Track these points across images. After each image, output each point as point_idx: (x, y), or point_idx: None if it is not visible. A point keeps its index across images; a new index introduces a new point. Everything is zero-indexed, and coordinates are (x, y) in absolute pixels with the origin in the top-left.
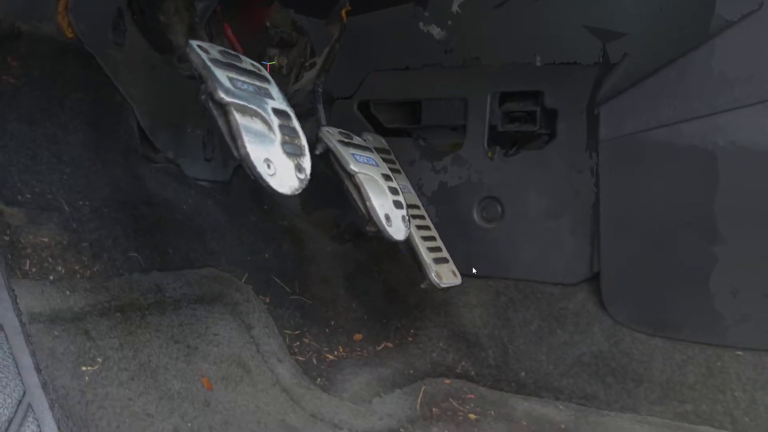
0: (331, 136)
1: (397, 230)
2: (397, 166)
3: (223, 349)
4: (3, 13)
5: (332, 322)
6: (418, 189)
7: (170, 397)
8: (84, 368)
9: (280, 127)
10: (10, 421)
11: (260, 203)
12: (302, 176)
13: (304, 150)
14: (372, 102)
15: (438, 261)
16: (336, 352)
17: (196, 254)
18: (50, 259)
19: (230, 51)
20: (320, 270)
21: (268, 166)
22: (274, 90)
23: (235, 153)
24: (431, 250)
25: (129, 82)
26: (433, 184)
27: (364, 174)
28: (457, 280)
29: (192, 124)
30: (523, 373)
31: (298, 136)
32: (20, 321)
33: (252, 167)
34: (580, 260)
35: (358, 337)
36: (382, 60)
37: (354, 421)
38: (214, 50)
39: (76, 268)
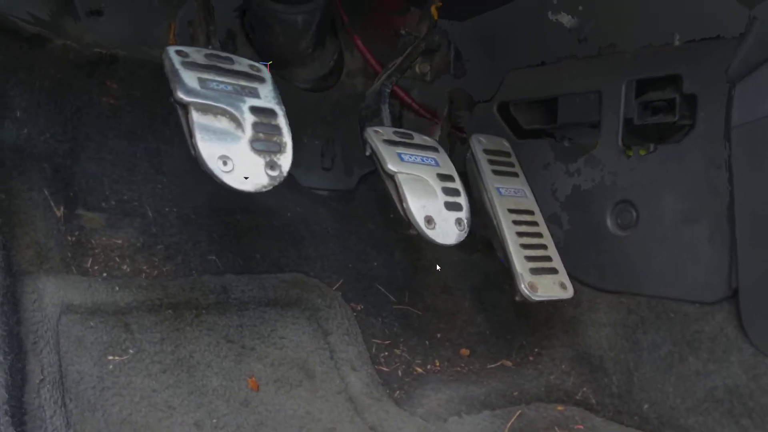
0: (378, 135)
1: (444, 233)
2: (515, 169)
3: (286, 352)
4: (115, 43)
5: (438, 335)
6: (552, 194)
7: (203, 393)
8: (111, 357)
9: (256, 124)
10: None
11: (386, 212)
12: (275, 173)
13: (283, 147)
14: (511, 103)
15: (538, 271)
16: (429, 366)
17: (287, 260)
18: (117, 259)
19: (221, 54)
20: (441, 280)
21: (225, 163)
22: (265, 89)
23: (192, 151)
24: (534, 259)
25: None
26: (567, 188)
27: (407, 174)
28: (564, 293)
29: (309, 134)
30: (646, 406)
31: (279, 134)
32: None
33: (203, 164)
34: (719, 274)
35: (465, 352)
36: (519, 57)
37: None
38: (199, 54)
39: (144, 268)
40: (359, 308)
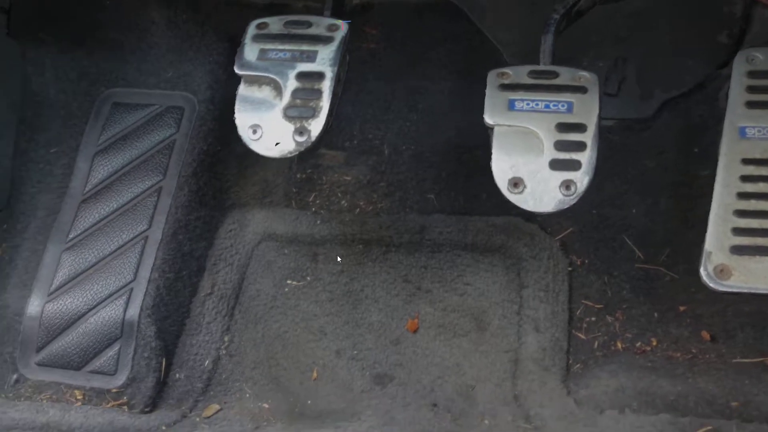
0: (497, 79)
1: (537, 198)
2: None
3: (466, 299)
4: None
5: (683, 308)
6: None
7: (358, 325)
8: (289, 282)
9: (296, 90)
10: (111, 294)
11: (689, 146)
12: (302, 139)
13: (317, 112)
14: None
15: (751, 250)
16: (639, 344)
17: None
18: (339, 195)
19: (300, 19)
20: None
21: (254, 132)
22: (326, 51)
23: None
24: (753, 232)
25: (498, 26)
26: None
27: (508, 126)
28: None
29: (591, 55)
30: None
31: (317, 98)
32: (163, 234)
33: (240, 134)
34: None
35: (706, 335)
36: None
37: (551, 423)
38: (278, 23)
39: (361, 204)
40: (581, 263)
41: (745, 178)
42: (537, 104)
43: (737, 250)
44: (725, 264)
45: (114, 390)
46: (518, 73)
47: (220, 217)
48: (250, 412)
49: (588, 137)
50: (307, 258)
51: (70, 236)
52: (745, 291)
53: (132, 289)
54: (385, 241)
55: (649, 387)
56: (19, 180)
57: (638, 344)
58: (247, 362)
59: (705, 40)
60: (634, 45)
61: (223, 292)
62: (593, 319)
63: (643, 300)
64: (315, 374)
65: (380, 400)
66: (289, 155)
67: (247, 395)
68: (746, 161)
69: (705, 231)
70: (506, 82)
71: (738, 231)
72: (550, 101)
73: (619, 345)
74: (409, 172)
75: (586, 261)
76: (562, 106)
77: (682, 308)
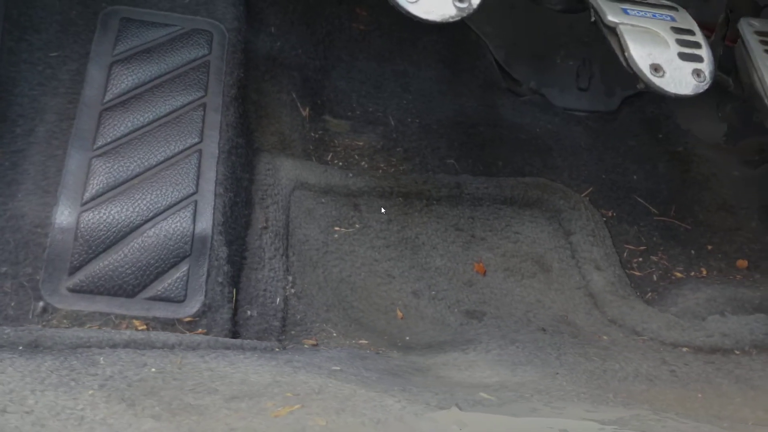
0: None
1: (676, 82)
2: None
3: (520, 246)
4: None
5: (710, 247)
6: None
7: (425, 269)
8: (337, 228)
9: None
10: (171, 206)
11: (653, 132)
12: (464, 5)
13: None
14: None
15: None
16: (693, 273)
17: (531, 168)
18: (357, 157)
19: None
20: (719, 196)
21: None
22: None
23: None
24: None
25: (482, 21)
26: None
27: (631, 26)
28: None
29: (563, 54)
30: None
31: None
32: (219, 150)
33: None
34: None
35: (742, 263)
36: None
37: (665, 332)
38: None
39: (382, 165)
40: (611, 215)
41: None
42: (645, 13)
43: None
44: None
45: (186, 320)
46: None
47: (254, 155)
48: (350, 346)
49: (699, 38)
50: (349, 207)
51: (98, 143)
52: None
53: (196, 202)
54: (424, 195)
55: (734, 295)
56: (10, 81)
57: (692, 273)
58: (318, 304)
59: None
60: (596, 49)
61: (277, 229)
62: (640, 259)
63: (673, 244)
64: (400, 314)
65: (487, 329)
66: (450, 20)
67: (334, 335)
68: None
69: (702, 191)
70: None
71: None
72: (654, 12)
73: (678, 274)
74: (421, 141)
75: (614, 214)
76: (666, 17)
77: (709, 247)
